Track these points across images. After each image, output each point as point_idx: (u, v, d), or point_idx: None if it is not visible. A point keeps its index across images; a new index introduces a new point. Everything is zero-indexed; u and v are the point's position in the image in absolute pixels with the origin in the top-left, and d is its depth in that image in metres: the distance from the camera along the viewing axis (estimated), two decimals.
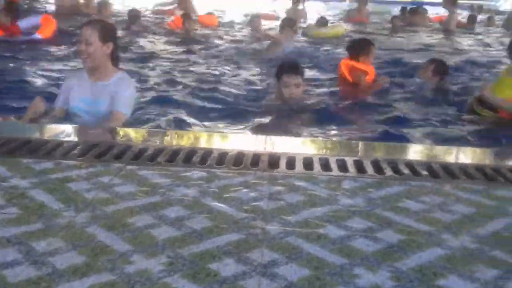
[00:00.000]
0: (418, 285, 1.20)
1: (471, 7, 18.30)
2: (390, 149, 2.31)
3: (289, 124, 3.40)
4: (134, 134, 2.45)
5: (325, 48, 7.67)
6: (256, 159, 2.01)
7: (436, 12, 15.32)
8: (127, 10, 9.62)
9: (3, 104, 3.65)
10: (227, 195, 1.66)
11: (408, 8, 12.32)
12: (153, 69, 5.54)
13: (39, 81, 4.66)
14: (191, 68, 5.69)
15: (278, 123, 3.43)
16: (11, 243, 1.32)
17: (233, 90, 4.49)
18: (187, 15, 8.70)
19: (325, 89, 4.56)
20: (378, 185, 1.81)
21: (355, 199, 1.69)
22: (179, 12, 10.73)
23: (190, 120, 3.36)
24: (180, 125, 3.22)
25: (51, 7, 11.10)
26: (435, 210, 1.61)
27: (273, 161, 2.00)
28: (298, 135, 3.12)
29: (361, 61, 4.45)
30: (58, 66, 5.47)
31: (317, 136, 3.11)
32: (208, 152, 2.06)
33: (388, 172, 1.95)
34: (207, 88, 4.50)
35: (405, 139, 2.93)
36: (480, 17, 13.77)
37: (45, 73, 5.02)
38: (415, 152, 2.27)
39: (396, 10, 12.74)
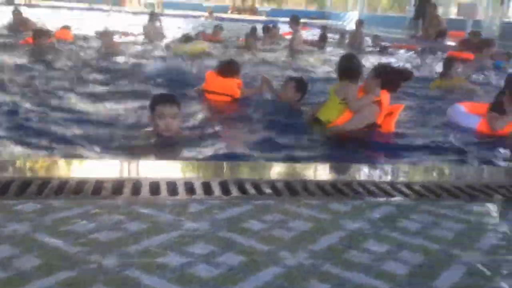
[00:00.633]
0: None
1: (323, 27, 19.60)
2: (237, 169, 2.35)
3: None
4: None
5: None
6: (98, 187, 1.92)
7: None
8: None
9: None
10: (63, 229, 1.56)
11: (262, 26, 12.94)
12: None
13: None
14: (42, 85, 5.37)
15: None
16: None
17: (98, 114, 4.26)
18: (37, 31, 8.25)
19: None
20: (223, 207, 1.83)
21: (200, 222, 1.68)
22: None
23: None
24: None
25: None
26: (276, 228, 1.67)
27: (117, 187, 1.93)
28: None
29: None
30: None
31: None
32: (45, 182, 1.93)
33: (234, 192, 1.98)
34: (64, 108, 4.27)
35: (253, 158, 3.01)
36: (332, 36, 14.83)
37: None
38: (260, 170, 2.33)
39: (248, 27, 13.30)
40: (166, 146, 3.30)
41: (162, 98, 3.38)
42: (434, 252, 1.57)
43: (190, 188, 1.99)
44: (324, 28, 18.20)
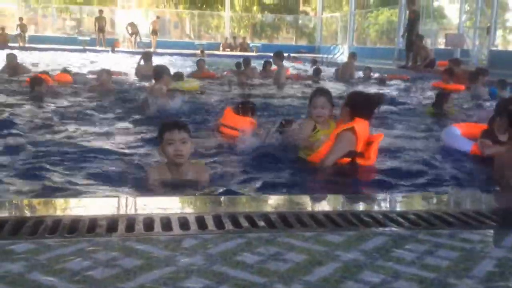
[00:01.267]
0: None
1: (313, 61, 19.91)
2: (231, 202, 2.36)
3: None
4: None
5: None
6: (92, 225, 1.92)
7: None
8: None
9: None
10: (57, 267, 1.56)
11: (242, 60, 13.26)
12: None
13: None
14: (50, 128, 5.41)
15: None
16: None
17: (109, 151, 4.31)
18: (35, 79, 8.30)
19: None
20: (217, 241, 1.83)
21: (194, 257, 1.68)
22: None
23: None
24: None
25: None
26: (270, 261, 1.66)
27: (112, 224, 1.93)
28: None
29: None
30: None
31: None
32: (39, 221, 1.93)
33: (228, 226, 1.98)
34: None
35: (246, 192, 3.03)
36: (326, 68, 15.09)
37: None
38: (254, 203, 2.34)
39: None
40: (177, 175, 3.27)
41: (169, 124, 3.31)
42: (430, 281, 1.57)
43: (184, 223, 1.99)
44: (315, 62, 18.56)
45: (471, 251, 1.83)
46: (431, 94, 9.65)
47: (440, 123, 6.49)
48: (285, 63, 17.03)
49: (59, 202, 2.38)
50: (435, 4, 28.66)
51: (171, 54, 23.64)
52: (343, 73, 13.78)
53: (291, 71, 14.92)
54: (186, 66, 16.89)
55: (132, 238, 1.82)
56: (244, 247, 1.78)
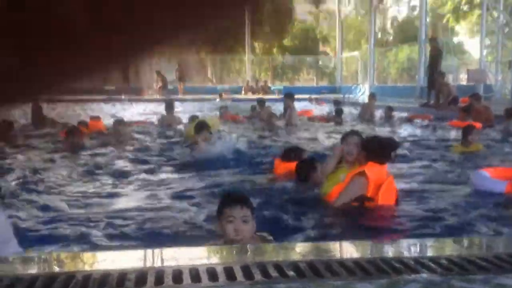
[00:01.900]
0: None
1: (335, 102, 20.01)
2: (259, 251, 2.35)
3: None
4: None
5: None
6: (122, 278, 1.93)
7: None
8: None
9: None
10: None
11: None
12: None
13: None
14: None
15: None
16: None
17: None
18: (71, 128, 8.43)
19: None
20: None
21: None
22: None
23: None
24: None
25: None
26: None
27: (141, 278, 1.94)
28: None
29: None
30: None
31: None
32: (70, 276, 1.94)
33: (257, 276, 1.96)
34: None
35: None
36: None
37: None
38: (283, 251, 2.32)
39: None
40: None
41: (231, 199, 2.95)
42: None
43: (212, 274, 1.99)
44: (337, 103, 18.71)
45: None
46: (455, 133, 9.58)
47: (467, 162, 6.42)
48: (308, 104, 17.29)
49: (89, 256, 2.40)
50: (455, 39, 28.78)
51: (195, 100, 24.05)
52: (364, 114, 13.85)
53: (315, 113, 15.08)
54: (208, 110, 17.15)
55: None
56: None
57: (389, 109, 14.02)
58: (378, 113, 14.17)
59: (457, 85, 17.84)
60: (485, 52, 19.50)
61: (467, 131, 7.22)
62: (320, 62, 40.45)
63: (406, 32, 38.46)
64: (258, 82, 32.91)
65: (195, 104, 21.70)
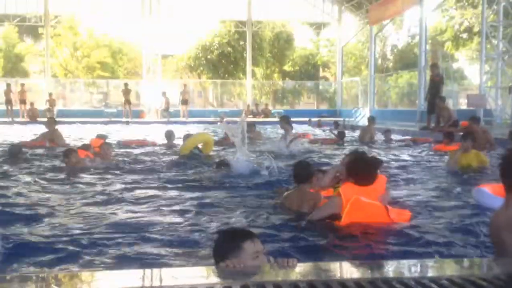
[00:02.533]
0: None
1: (335, 124, 20.10)
2: (258, 271, 2.33)
3: None
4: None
5: None
6: None
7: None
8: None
9: None
10: None
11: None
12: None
13: None
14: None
15: None
16: None
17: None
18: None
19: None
20: None
21: None
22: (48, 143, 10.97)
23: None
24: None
25: None
26: None
27: None
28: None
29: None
30: None
31: None
32: None
33: None
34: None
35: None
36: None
37: None
38: (281, 271, 2.30)
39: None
40: None
41: (247, 233, 2.66)
42: None
43: None
44: (337, 124, 18.80)
45: None
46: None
47: (467, 181, 6.45)
48: (311, 128, 17.38)
49: (87, 275, 2.38)
50: (455, 65, 29.01)
51: (195, 123, 24.16)
52: (363, 137, 13.99)
53: (313, 135, 15.16)
54: (211, 133, 17.19)
55: None
56: None
57: (388, 132, 14.10)
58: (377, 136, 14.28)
59: (457, 110, 17.91)
60: (484, 78, 19.61)
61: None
62: (321, 87, 40.71)
63: (405, 59, 38.80)
64: (259, 105, 33.05)
65: (199, 126, 21.81)
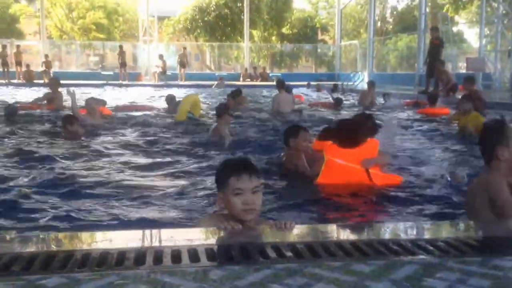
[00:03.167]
0: None
1: (334, 86, 19.98)
2: (257, 233, 2.36)
3: None
4: None
5: None
6: (121, 258, 1.93)
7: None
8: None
9: None
10: None
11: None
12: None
13: None
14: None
15: None
16: None
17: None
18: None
19: None
20: (244, 272, 1.82)
21: None
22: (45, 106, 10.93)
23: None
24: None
25: None
26: None
27: (140, 257, 1.94)
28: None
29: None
30: None
31: None
32: (69, 255, 1.95)
33: (256, 256, 1.97)
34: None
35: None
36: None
37: None
38: (280, 233, 2.33)
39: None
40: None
41: (236, 167, 2.51)
42: None
43: (211, 254, 1.99)
44: (335, 86, 18.68)
45: (503, 278, 1.79)
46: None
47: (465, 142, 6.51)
48: (310, 91, 17.29)
49: (87, 236, 2.40)
50: (455, 29, 28.68)
51: (192, 86, 24.03)
52: (363, 101, 13.90)
53: (314, 99, 15.12)
54: (208, 96, 17.11)
55: (160, 270, 1.83)
56: (271, 278, 1.77)
57: (387, 95, 14.06)
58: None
59: (456, 73, 17.82)
60: (484, 41, 19.44)
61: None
62: (319, 50, 40.35)
63: (405, 22, 38.36)
64: (257, 69, 32.82)
65: (191, 90, 21.67)
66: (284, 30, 41.03)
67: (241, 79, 30.65)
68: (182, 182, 4.64)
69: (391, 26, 41.77)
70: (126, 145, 6.87)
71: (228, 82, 25.46)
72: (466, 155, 5.85)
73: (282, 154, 5.25)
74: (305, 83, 23.53)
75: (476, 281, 1.76)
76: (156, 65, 28.26)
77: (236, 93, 12.91)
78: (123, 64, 27.34)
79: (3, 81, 24.36)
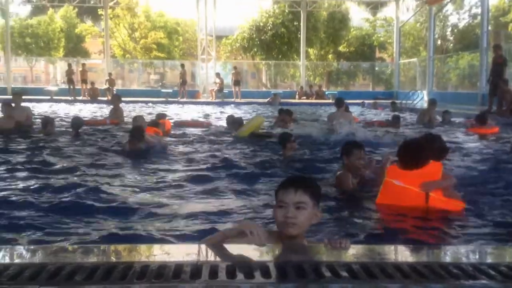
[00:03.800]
0: None
1: (392, 103, 19.66)
2: (312, 251, 2.34)
3: None
4: (49, 252, 2.34)
5: None
6: (178, 271, 1.97)
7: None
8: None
9: None
10: None
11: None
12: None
13: None
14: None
15: None
16: None
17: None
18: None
19: None
20: None
21: None
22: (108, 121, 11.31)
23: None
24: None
25: None
26: None
27: (195, 271, 1.98)
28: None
29: None
30: None
31: None
32: (128, 267, 2.01)
33: (310, 275, 1.96)
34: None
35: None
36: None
37: None
38: (335, 252, 2.31)
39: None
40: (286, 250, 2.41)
41: (286, 181, 2.60)
42: None
43: (265, 271, 2.00)
44: (394, 104, 18.34)
45: None
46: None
47: None
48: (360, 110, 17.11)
49: (145, 248, 2.47)
50: None
51: (246, 103, 24.29)
52: (422, 119, 13.58)
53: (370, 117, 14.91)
54: (264, 113, 17.24)
55: (215, 285, 1.85)
56: None
57: (447, 114, 13.69)
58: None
59: None
60: None
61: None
62: (377, 68, 39.87)
63: (466, 40, 37.35)
64: (312, 87, 32.76)
65: (247, 107, 21.92)
66: (341, 48, 40.84)
67: (296, 96, 30.67)
68: (244, 198, 4.68)
69: (451, 44, 40.78)
70: (188, 160, 7.01)
71: (284, 100, 25.56)
72: None
73: (337, 172, 5.21)
74: (360, 101, 23.27)
75: None
76: (214, 81, 28.79)
77: (289, 111, 12.98)
78: (183, 82, 28.03)
79: (69, 98, 25.47)
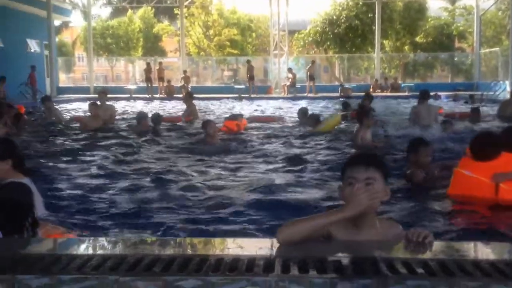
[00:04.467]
0: None
1: (471, 97, 18.83)
2: (387, 247, 2.30)
3: None
4: (129, 244, 2.45)
5: None
6: (251, 264, 2.00)
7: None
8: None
9: None
10: None
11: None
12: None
13: None
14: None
15: None
16: None
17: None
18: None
19: None
20: (375, 286, 1.79)
21: None
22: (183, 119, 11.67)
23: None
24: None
25: None
26: None
27: (268, 265, 2.00)
28: None
29: None
30: None
31: None
32: (204, 259, 2.06)
33: (385, 271, 1.93)
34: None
35: None
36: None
37: None
38: (411, 249, 2.25)
39: None
40: (356, 230, 2.40)
41: (355, 157, 2.57)
42: None
43: (339, 267, 1.99)
44: (472, 97, 17.52)
45: None
46: None
47: None
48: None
49: (219, 242, 2.53)
50: None
51: (318, 98, 24.10)
52: (504, 111, 12.85)
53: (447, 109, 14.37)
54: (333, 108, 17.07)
55: (288, 279, 1.86)
56: None
57: None
58: None
59: None
60: None
61: None
62: (456, 59, 38.27)
63: None
64: (388, 79, 31.94)
65: (320, 101, 21.77)
66: (418, 39, 39.51)
67: (371, 90, 30.05)
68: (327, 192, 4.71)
69: None
70: (264, 155, 7.10)
71: (357, 94, 25.13)
72: None
73: (405, 169, 5.13)
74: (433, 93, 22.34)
75: None
76: (286, 76, 28.78)
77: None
78: (251, 78, 28.23)
79: (147, 96, 26.39)
